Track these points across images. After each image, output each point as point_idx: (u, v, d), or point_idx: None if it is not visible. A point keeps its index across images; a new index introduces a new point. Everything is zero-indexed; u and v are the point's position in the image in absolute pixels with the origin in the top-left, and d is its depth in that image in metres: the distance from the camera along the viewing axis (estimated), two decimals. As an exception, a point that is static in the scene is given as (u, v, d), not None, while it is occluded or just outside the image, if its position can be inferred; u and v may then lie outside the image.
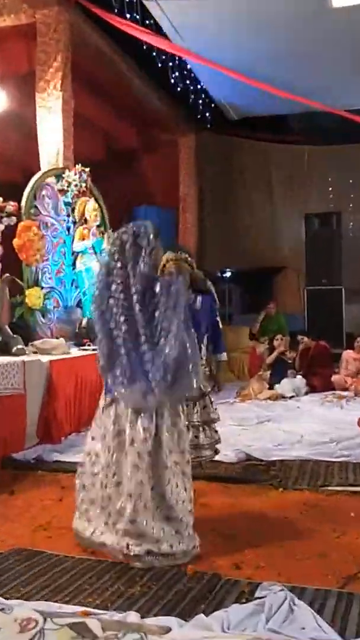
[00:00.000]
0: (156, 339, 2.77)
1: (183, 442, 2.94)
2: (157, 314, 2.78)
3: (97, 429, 3.01)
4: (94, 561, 2.86)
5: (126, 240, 2.87)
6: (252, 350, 8.95)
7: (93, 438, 3.02)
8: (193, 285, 3.90)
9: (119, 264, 2.85)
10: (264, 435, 5.40)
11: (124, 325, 2.79)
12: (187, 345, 2.81)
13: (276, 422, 5.96)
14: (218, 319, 4.11)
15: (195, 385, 2.89)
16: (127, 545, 2.77)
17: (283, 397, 7.38)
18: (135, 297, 2.80)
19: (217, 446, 4.11)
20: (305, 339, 8.13)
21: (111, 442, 2.89)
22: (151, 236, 2.89)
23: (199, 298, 3.95)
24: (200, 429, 3.92)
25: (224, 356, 4.13)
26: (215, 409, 4.02)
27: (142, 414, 2.83)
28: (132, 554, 2.75)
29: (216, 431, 4.02)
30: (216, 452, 4.12)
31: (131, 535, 2.77)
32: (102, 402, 3.00)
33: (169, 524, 2.84)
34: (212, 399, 4.04)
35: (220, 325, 4.13)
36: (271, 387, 7.62)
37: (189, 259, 3.97)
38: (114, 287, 2.84)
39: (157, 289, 2.81)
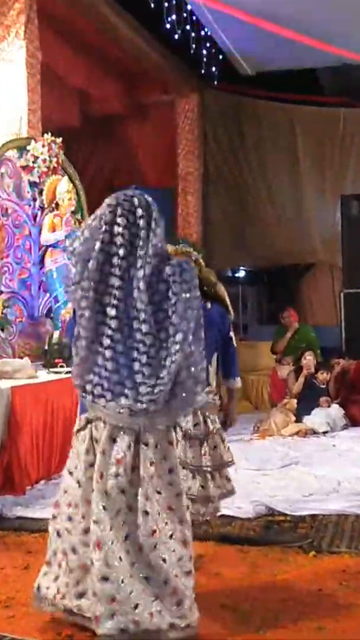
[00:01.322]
0: (160, 340, 2.75)
1: (177, 480, 2.92)
2: (166, 304, 2.76)
3: (71, 459, 3.01)
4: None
5: (132, 210, 2.84)
6: (273, 373, 8.96)
7: (69, 472, 3.01)
8: (201, 289, 3.89)
9: (119, 239, 2.81)
10: (290, 483, 5.39)
11: (115, 320, 2.77)
12: (194, 350, 2.81)
13: (306, 466, 5.96)
14: (232, 334, 4.10)
15: (197, 401, 2.87)
16: (97, 617, 2.73)
17: (314, 432, 7.38)
18: (142, 284, 2.76)
19: (225, 500, 4.08)
20: (342, 361, 8.13)
21: (81, 475, 2.88)
22: (157, 209, 2.92)
23: (209, 306, 3.94)
24: (209, 476, 3.89)
25: (237, 382, 4.11)
26: (228, 448, 4.01)
27: (118, 439, 2.81)
28: (100, 632, 2.72)
29: (229, 479, 4.00)
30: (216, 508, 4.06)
31: (100, 599, 2.73)
32: (76, 424, 2.99)
33: (148, 587, 2.79)
34: (224, 437, 4.03)
35: (235, 343, 4.11)
36: (299, 420, 7.62)
37: (194, 253, 3.97)
38: (111, 269, 2.79)
39: (168, 271, 2.79)
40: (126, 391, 2.75)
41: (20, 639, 2.94)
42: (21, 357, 5.96)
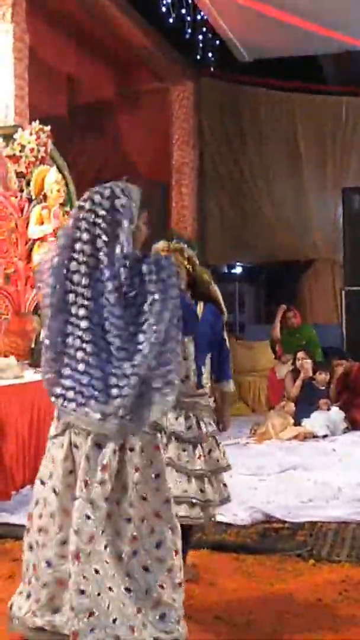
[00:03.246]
0: (133, 341, 2.73)
1: (164, 486, 2.90)
2: (140, 305, 2.74)
3: (45, 467, 2.96)
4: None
5: (98, 203, 2.83)
6: (271, 374, 8.95)
7: (42, 481, 2.96)
8: (194, 288, 3.88)
9: (85, 236, 2.80)
10: (288, 488, 5.39)
11: (84, 321, 2.75)
12: (168, 349, 2.78)
13: (305, 471, 5.96)
14: (225, 336, 4.10)
15: (169, 403, 2.83)
16: (74, 632, 2.69)
17: (314, 436, 7.38)
18: (110, 285, 2.74)
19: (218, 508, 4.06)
20: (345, 362, 8.13)
21: (58, 484, 2.84)
22: (134, 203, 2.87)
23: (200, 307, 3.93)
24: (206, 480, 3.88)
25: (230, 386, 4.10)
26: (224, 453, 4.00)
27: (103, 445, 2.77)
28: None
29: (225, 485, 3.99)
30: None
31: (77, 613, 2.68)
32: (52, 429, 2.96)
33: (128, 598, 2.75)
34: (219, 441, 4.02)
35: (228, 345, 4.11)
36: (297, 423, 7.62)
37: (188, 250, 3.95)
38: (73, 265, 2.79)
39: (145, 269, 2.77)
40: (96, 394, 2.72)
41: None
42: (6, 356, 5.94)
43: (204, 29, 9.61)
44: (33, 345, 6.31)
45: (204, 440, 3.87)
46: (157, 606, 2.79)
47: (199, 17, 9.32)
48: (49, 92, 8.71)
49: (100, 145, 10.36)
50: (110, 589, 2.73)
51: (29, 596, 2.91)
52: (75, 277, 2.78)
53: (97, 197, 2.85)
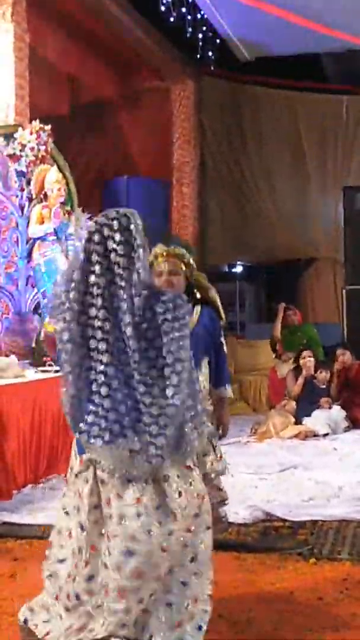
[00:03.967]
0: (153, 378, 2.70)
1: (204, 502, 2.89)
2: (160, 343, 2.71)
3: (70, 498, 2.94)
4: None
5: (108, 236, 2.80)
6: (272, 373, 8.95)
7: (66, 511, 2.95)
8: (192, 292, 3.86)
9: (97, 268, 2.77)
10: (290, 487, 5.39)
11: (106, 355, 2.71)
12: (193, 389, 2.78)
13: (305, 470, 5.96)
14: (223, 340, 4.09)
15: (198, 445, 2.81)
16: None
17: (314, 435, 7.38)
18: (127, 318, 2.71)
19: (221, 509, 4.07)
20: (347, 354, 8.11)
21: (85, 519, 2.81)
22: (142, 232, 2.84)
23: (198, 310, 3.92)
24: None
25: (228, 391, 4.09)
26: (221, 457, 3.98)
27: (134, 480, 2.74)
28: None
29: (220, 488, 3.99)
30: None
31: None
32: (74, 464, 2.93)
33: (169, 613, 2.78)
34: (216, 443, 4.01)
35: (225, 349, 4.11)
36: (298, 422, 7.62)
37: (187, 255, 3.94)
38: (89, 299, 2.75)
39: (160, 307, 2.74)
40: (125, 431, 2.68)
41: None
42: (7, 355, 5.95)
43: (205, 28, 9.61)
44: (34, 345, 6.32)
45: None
46: (193, 619, 2.81)
47: (199, 16, 9.33)
48: (50, 91, 8.72)
49: (100, 145, 10.36)
50: (154, 605, 2.76)
51: (46, 621, 2.91)
52: (92, 311, 2.74)
53: (106, 230, 2.80)
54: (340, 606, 3.36)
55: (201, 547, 2.87)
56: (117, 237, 2.79)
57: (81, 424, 2.73)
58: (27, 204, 6.77)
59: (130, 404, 2.69)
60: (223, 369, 4.05)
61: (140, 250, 2.81)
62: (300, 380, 7.97)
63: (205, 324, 3.90)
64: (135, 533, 2.71)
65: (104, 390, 2.70)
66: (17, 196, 6.70)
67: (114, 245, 2.78)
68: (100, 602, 2.77)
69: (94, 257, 2.78)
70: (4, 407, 5.08)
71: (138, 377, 2.69)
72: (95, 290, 2.75)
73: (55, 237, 6.69)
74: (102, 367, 2.71)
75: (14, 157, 6.57)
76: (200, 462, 3.79)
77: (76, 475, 2.89)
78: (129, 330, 2.70)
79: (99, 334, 2.73)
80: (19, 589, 3.55)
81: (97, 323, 2.73)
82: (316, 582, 3.64)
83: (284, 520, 4.56)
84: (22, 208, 6.74)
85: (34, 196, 6.78)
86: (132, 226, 2.83)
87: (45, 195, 6.79)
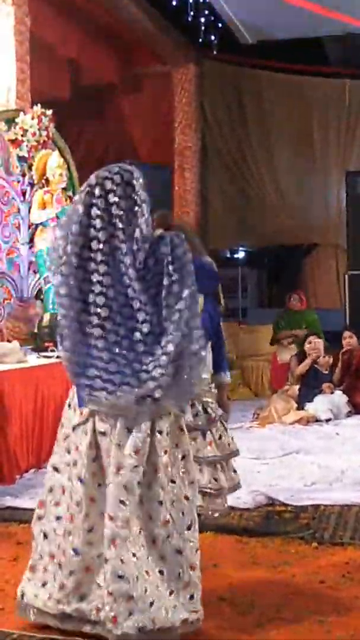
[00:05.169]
0: (157, 323, 2.72)
1: (191, 467, 2.93)
2: (159, 286, 2.73)
3: (61, 455, 2.96)
4: (61, 642, 2.86)
5: (110, 190, 2.79)
6: (273, 358, 8.97)
7: (56, 469, 2.98)
8: None
9: (98, 222, 2.76)
10: (292, 472, 5.41)
11: (104, 309, 2.73)
12: (192, 327, 2.77)
13: (308, 454, 5.97)
14: (221, 326, 4.11)
15: (201, 380, 2.84)
16: (114, 617, 2.72)
17: (317, 420, 7.39)
18: (131, 272, 2.72)
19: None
20: (354, 337, 8.08)
21: (84, 471, 2.83)
22: (144, 187, 2.85)
23: (201, 299, 3.92)
24: (219, 467, 3.90)
25: (227, 377, 4.12)
26: (232, 438, 4.01)
27: (134, 430, 2.78)
28: (119, 632, 2.71)
29: (235, 471, 4.01)
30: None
31: (117, 598, 2.71)
32: (72, 417, 2.94)
33: (163, 581, 2.80)
34: (226, 426, 4.03)
35: (223, 336, 4.13)
36: (300, 407, 7.63)
37: (190, 238, 3.93)
38: (87, 253, 2.76)
39: (163, 250, 2.75)
40: (127, 379, 2.70)
41: (10, 632, 2.94)
42: (10, 341, 5.96)
43: (206, 12, 9.55)
44: (36, 330, 6.33)
45: (213, 425, 3.89)
46: (187, 587, 2.84)
47: (201, -1, 9.28)
48: (51, 75, 8.69)
49: (102, 129, 10.32)
50: (146, 572, 2.76)
51: (44, 584, 2.92)
52: (91, 265, 2.75)
53: (108, 184, 2.80)
54: (342, 590, 3.37)
55: (195, 515, 2.90)
56: (119, 190, 2.79)
57: (82, 379, 2.75)
58: (28, 189, 6.76)
59: (131, 355, 2.70)
60: (222, 354, 4.07)
61: (144, 205, 2.81)
62: (308, 360, 7.94)
63: (208, 309, 3.91)
64: (127, 484, 2.74)
65: (101, 343, 2.72)
66: (18, 181, 6.69)
67: (116, 199, 2.78)
68: (100, 551, 2.79)
69: (94, 211, 2.77)
70: (6, 393, 5.08)
71: (148, 328, 2.71)
72: (94, 245, 2.75)
73: (57, 224, 6.68)
74: (99, 321, 2.73)
75: (15, 142, 6.55)
76: (218, 444, 3.84)
77: (73, 429, 2.91)
78: (135, 285, 2.71)
79: (97, 288, 2.73)
80: (22, 573, 3.54)
81: (96, 277, 2.74)
82: (318, 566, 3.65)
83: (286, 505, 4.58)
84: (23, 193, 6.73)
85: (35, 181, 6.77)
86: (134, 181, 2.82)
87: (47, 180, 6.77)
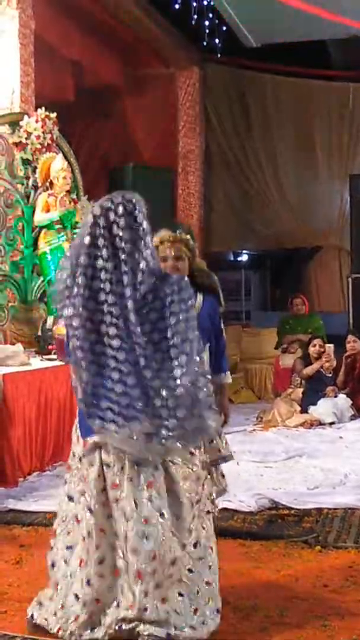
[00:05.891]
0: (159, 361, 2.71)
1: (198, 488, 2.94)
2: (164, 325, 2.72)
3: (75, 484, 2.96)
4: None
5: (114, 221, 2.79)
6: (276, 362, 8.97)
7: (70, 498, 2.97)
8: (193, 278, 3.86)
9: (105, 253, 2.76)
10: (295, 476, 5.42)
11: (116, 340, 2.71)
12: (203, 369, 2.78)
13: (311, 458, 5.98)
14: (222, 327, 4.11)
15: (212, 426, 2.80)
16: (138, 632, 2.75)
17: (320, 423, 7.39)
18: (129, 304, 2.72)
19: (226, 494, 4.08)
20: (358, 342, 8.08)
21: (94, 502, 2.84)
22: (147, 218, 2.84)
23: (200, 297, 3.92)
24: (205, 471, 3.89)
25: (228, 377, 4.11)
26: (226, 443, 4.00)
27: (145, 464, 2.78)
28: (145, 633, 2.74)
29: (223, 475, 4.00)
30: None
31: (151, 622, 2.76)
32: (78, 448, 2.95)
33: (183, 602, 2.84)
34: (221, 431, 4.02)
35: (225, 337, 4.12)
36: (304, 411, 7.63)
37: (191, 241, 3.95)
38: (97, 284, 2.75)
39: (167, 290, 2.75)
40: (138, 415, 2.68)
41: (13, 636, 2.95)
42: (13, 344, 5.98)
43: (210, 14, 9.55)
44: (39, 333, 6.34)
45: None
46: (208, 603, 2.89)
47: (205, 2, 9.27)
48: (55, 78, 8.68)
49: (106, 132, 10.31)
50: (167, 598, 2.81)
51: (55, 614, 2.92)
52: (101, 296, 2.74)
53: (111, 215, 2.80)
54: (346, 593, 3.38)
55: (203, 532, 2.92)
56: (122, 222, 2.79)
57: (94, 409, 2.73)
58: (32, 192, 6.77)
59: (142, 388, 2.69)
60: (223, 355, 4.06)
61: (147, 238, 2.80)
62: (317, 365, 7.93)
63: (207, 310, 3.91)
64: (149, 517, 2.75)
65: (115, 375, 2.70)
66: (22, 184, 6.71)
67: (119, 231, 2.78)
68: (109, 583, 2.81)
69: (101, 241, 2.77)
70: (10, 395, 5.10)
71: (144, 362, 2.70)
72: (103, 275, 2.75)
73: (60, 226, 6.69)
74: (112, 352, 2.72)
75: (19, 145, 6.57)
76: (209, 449, 3.82)
77: (80, 459, 2.91)
78: (131, 316, 2.71)
79: (109, 319, 2.73)
80: (25, 576, 3.58)
81: (106, 308, 2.74)
82: (321, 570, 3.66)
83: (290, 508, 4.58)
84: (27, 196, 6.75)
85: (39, 184, 6.79)
86: (137, 212, 2.82)
87: (51, 183, 6.79)
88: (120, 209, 2.81)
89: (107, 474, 2.83)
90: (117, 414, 2.69)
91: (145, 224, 2.82)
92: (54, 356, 5.88)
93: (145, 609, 2.75)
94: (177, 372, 2.70)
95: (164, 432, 2.69)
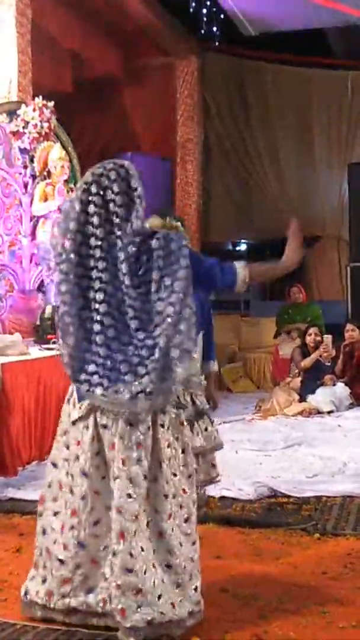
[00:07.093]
0: (150, 319, 2.73)
1: (189, 461, 2.94)
2: (152, 280, 2.74)
3: (59, 450, 2.97)
4: (63, 632, 2.86)
5: (106, 186, 2.82)
6: (275, 351, 8.98)
7: (54, 464, 2.99)
8: None
9: (95, 219, 2.80)
10: (293, 464, 5.43)
11: (103, 305, 2.75)
12: (188, 324, 2.76)
13: (310, 446, 5.99)
14: (211, 315, 4.12)
15: (180, 378, 2.79)
16: (122, 610, 2.73)
17: (319, 412, 7.40)
18: (124, 266, 2.75)
19: (226, 481, 4.09)
20: (357, 330, 8.08)
21: (88, 466, 2.85)
22: (139, 181, 2.87)
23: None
24: (200, 458, 3.90)
25: (215, 365, 4.14)
26: (217, 431, 4.00)
27: (136, 424, 2.79)
28: (128, 624, 2.73)
29: (214, 465, 4.01)
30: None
31: (125, 591, 2.73)
32: (71, 412, 2.95)
33: (169, 574, 2.83)
34: (212, 419, 4.03)
35: (213, 324, 4.14)
36: (302, 399, 7.64)
37: (181, 228, 3.94)
38: (85, 249, 2.78)
39: (154, 245, 2.77)
40: (122, 376, 2.72)
41: (14, 623, 2.95)
42: (12, 333, 5.96)
43: (208, 3, 9.52)
44: (38, 322, 6.33)
45: (200, 417, 3.89)
46: (191, 580, 2.87)
47: (203, -10, 9.25)
48: (53, 67, 8.66)
49: (104, 121, 10.29)
50: (153, 565, 2.78)
51: (44, 580, 2.93)
52: (90, 262, 2.77)
53: (104, 181, 2.83)
54: (344, 580, 3.38)
55: (193, 508, 2.92)
56: (116, 187, 2.82)
57: (80, 374, 2.76)
58: (30, 181, 6.74)
59: (128, 352, 2.72)
60: (211, 343, 4.09)
61: (138, 201, 2.83)
62: (315, 355, 7.94)
63: (200, 299, 3.91)
64: (134, 477, 2.76)
65: (100, 339, 2.74)
66: (20, 173, 6.67)
67: (113, 196, 2.81)
68: (106, 544, 2.81)
69: (92, 208, 2.80)
70: (8, 385, 5.09)
71: (136, 323, 2.73)
72: (92, 242, 2.79)
73: (54, 220, 6.67)
74: (98, 317, 2.75)
75: (17, 134, 6.53)
76: (206, 436, 3.83)
77: (73, 423, 2.92)
78: (126, 279, 2.74)
79: (97, 284, 2.76)
80: (25, 564, 3.55)
81: (95, 274, 2.77)
82: (320, 557, 3.67)
83: (289, 497, 4.59)
84: (25, 185, 6.72)
85: (37, 173, 6.76)
86: (130, 177, 2.85)
87: (49, 172, 6.76)
88: (113, 175, 2.84)
89: (104, 435, 2.84)
90: (102, 377, 2.73)
91: (139, 189, 2.86)
92: (53, 345, 5.87)
93: (130, 570, 2.72)
94: (158, 329, 2.72)
95: (149, 388, 2.70)
